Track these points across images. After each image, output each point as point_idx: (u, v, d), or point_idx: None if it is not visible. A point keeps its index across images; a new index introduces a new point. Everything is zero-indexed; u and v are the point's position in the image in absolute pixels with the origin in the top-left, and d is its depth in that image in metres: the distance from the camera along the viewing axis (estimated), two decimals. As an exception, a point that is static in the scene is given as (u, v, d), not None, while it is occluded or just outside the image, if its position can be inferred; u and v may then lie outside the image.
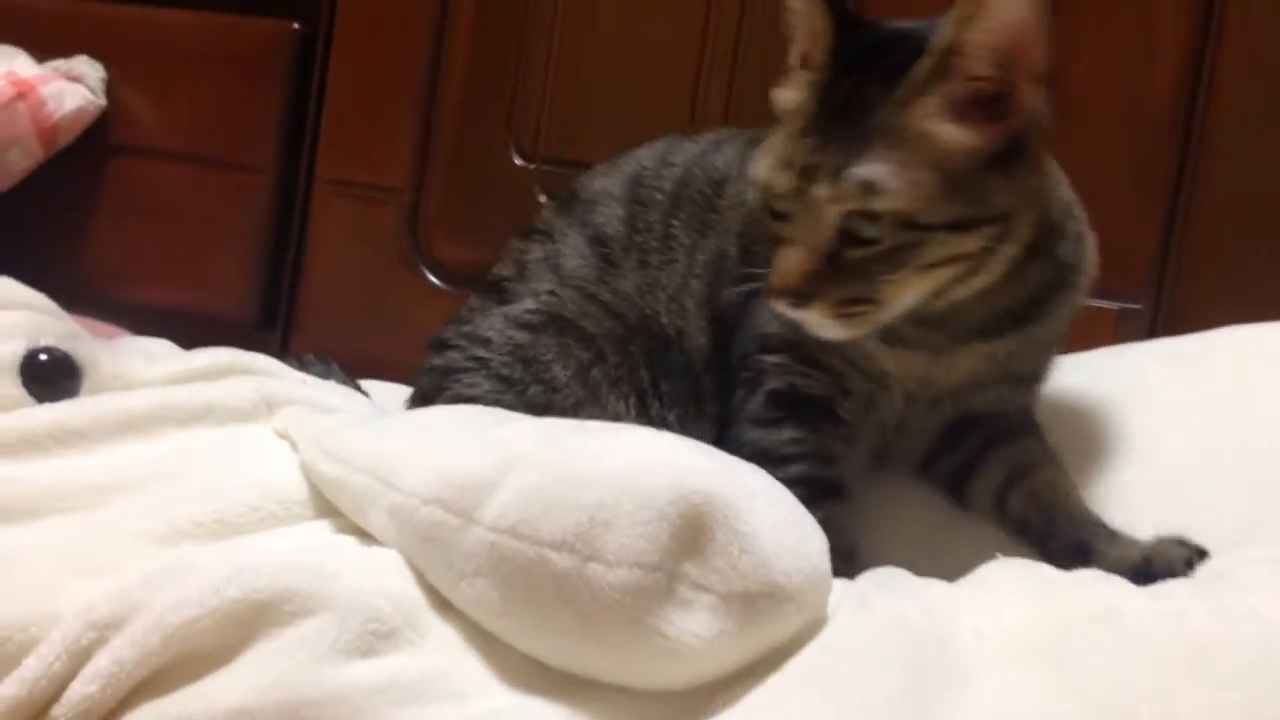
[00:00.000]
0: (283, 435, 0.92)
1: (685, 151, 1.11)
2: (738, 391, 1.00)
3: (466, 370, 1.06)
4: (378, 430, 0.84)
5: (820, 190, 0.84)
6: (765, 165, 0.88)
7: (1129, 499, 0.97)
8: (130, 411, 0.86)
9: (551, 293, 1.07)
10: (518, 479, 0.71)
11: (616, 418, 1.00)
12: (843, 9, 0.89)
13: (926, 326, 0.92)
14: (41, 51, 1.75)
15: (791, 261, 0.86)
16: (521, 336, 1.05)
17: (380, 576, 0.73)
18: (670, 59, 1.56)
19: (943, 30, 0.83)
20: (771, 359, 0.98)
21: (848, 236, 0.85)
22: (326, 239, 1.72)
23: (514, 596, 0.70)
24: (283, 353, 1.72)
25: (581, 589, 0.68)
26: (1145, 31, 1.39)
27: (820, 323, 0.87)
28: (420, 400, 1.13)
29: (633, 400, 1.02)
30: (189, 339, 1.70)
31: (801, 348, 0.97)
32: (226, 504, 0.81)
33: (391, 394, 1.30)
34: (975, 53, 0.83)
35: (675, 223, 1.06)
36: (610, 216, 1.09)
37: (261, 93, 1.73)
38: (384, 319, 1.70)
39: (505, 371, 1.03)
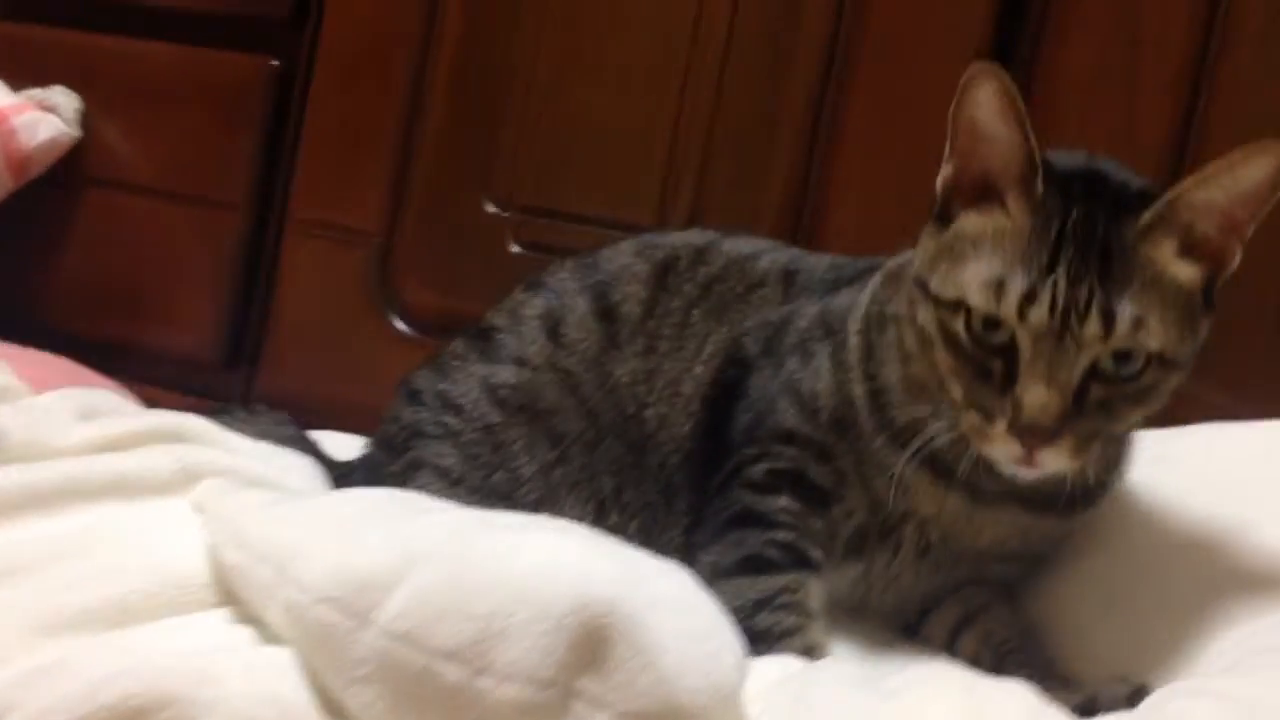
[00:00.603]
0: (199, 509, 0.89)
1: (724, 252, 1.11)
2: (732, 462, 0.99)
3: (436, 438, 1.06)
4: (286, 515, 0.80)
5: (1091, 328, 0.84)
6: (988, 293, 0.86)
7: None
8: (34, 486, 0.82)
9: (536, 369, 1.06)
10: (416, 580, 0.67)
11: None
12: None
13: (987, 471, 0.91)
14: (19, 81, 1.73)
15: (1045, 400, 0.84)
16: (494, 416, 1.05)
17: (269, 680, 0.69)
18: (647, 111, 1.54)
19: (1178, 185, 0.86)
20: (789, 449, 0.97)
21: (1096, 373, 0.85)
22: (296, 280, 1.69)
23: (403, 708, 0.66)
24: (246, 394, 1.71)
25: (472, 704, 0.64)
26: (1126, 112, 1.36)
27: (1055, 464, 0.86)
28: (383, 447, 1.11)
29: (591, 506, 1.03)
30: (155, 377, 1.72)
31: (819, 445, 0.97)
32: (125, 589, 0.77)
33: (350, 447, 1.26)
34: (1213, 211, 0.86)
35: (696, 312, 1.07)
36: (629, 296, 1.08)
37: (237, 129, 1.71)
38: (351, 364, 1.67)
39: (474, 450, 1.04)
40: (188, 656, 0.70)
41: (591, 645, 0.64)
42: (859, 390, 0.97)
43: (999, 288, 0.85)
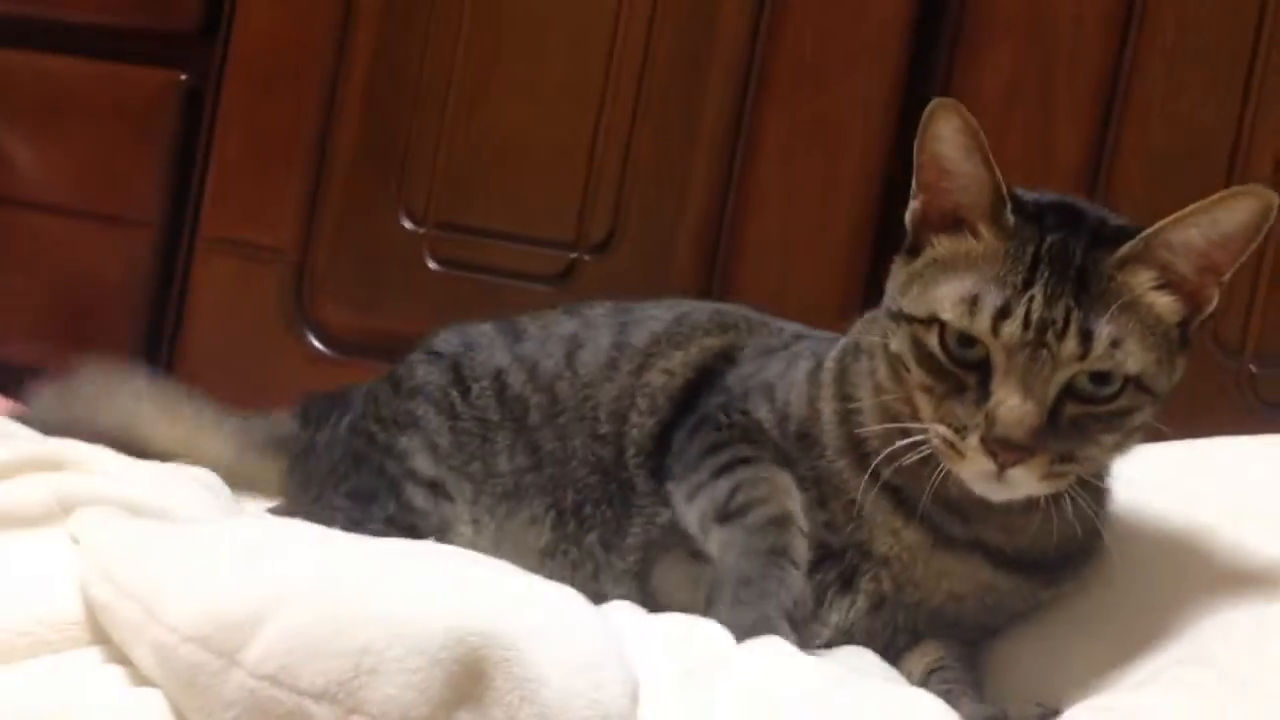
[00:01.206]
0: (75, 540, 0.85)
1: (746, 314, 1.15)
2: (699, 414, 1.02)
3: (437, 407, 1.10)
4: (157, 549, 0.76)
5: (1069, 346, 0.84)
6: (963, 308, 0.86)
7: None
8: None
9: (537, 387, 1.10)
10: (285, 617, 0.64)
11: (532, 521, 1.06)
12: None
13: (948, 509, 0.92)
14: (-80, 96, 1.68)
15: (1020, 413, 0.83)
16: (493, 413, 1.10)
17: (134, 725, 0.66)
18: (566, 125, 1.52)
19: (1158, 224, 0.87)
20: (757, 437, 0.99)
21: (1071, 392, 0.85)
22: (208, 299, 1.65)
23: (272, 751, 0.62)
24: (159, 416, 1.66)
25: (344, 746, 0.61)
26: (1043, 129, 1.36)
27: (1026, 484, 0.86)
28: (390, 385, 1.13)
29: (552, 513, 1.06)
30: None
31: (783, 452, 0.98)
32: (-7, 628, 0.73)
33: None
34: (1191, 252, 0.86)
35: (699, 332, 1.10)
36: (644, 330, 1.11)
37: (147, 145, 1.66)
38: (267, 384, 1.62)
39: (464, 438, 1.09)
40: (52, 701, 0.66)
41: (469, 680, 0.61)
42: (829, 408, 0.97)
43: (973, 303, 0.86)
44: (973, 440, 0.84)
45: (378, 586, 0.65)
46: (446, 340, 1.16)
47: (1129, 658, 0.90)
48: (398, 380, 1.15)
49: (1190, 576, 0.94)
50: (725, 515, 0.94)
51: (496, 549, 1.04)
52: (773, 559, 0.90)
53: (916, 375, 0.88)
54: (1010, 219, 0.88)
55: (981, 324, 0.85)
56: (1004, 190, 0.88)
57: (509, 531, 1.08)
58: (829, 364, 1.00)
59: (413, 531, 1.06)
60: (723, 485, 0.95)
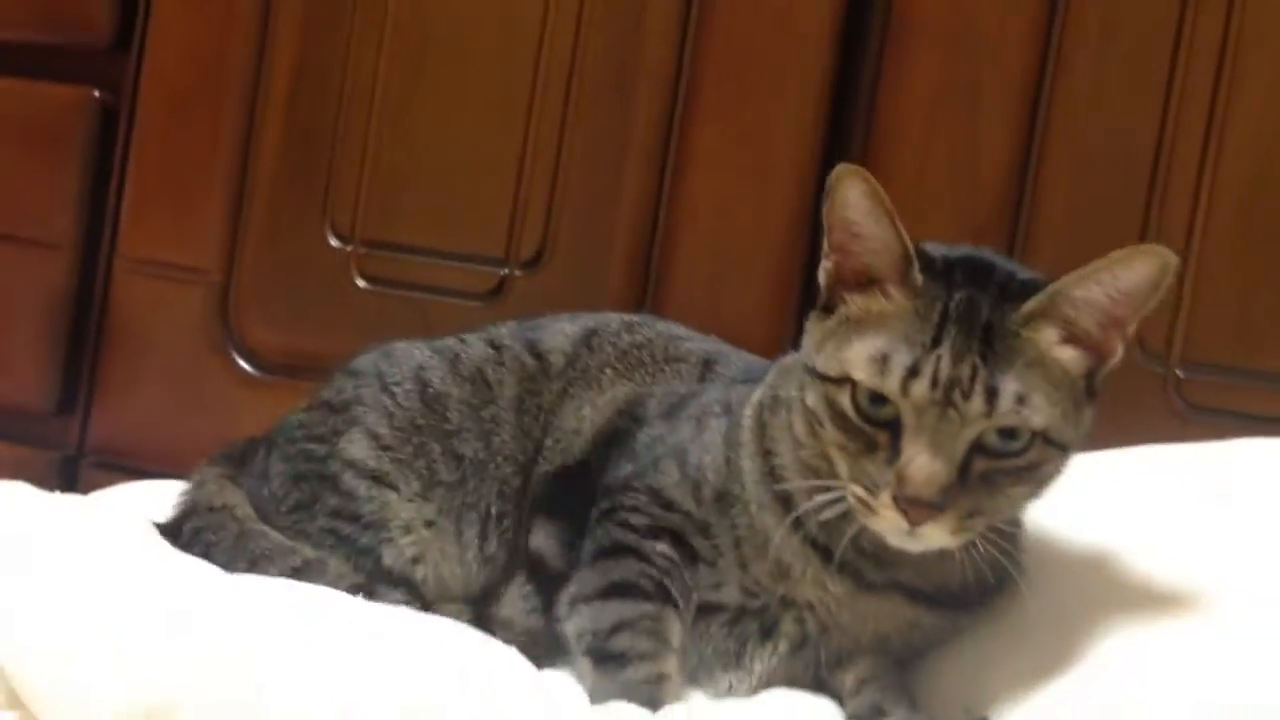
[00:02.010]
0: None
1: (655, 329, 1.15)
2: (608, 502, 1.00)
3: (375, 410, 1.08)
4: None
5: (975, 404, 0.85)
6: (874, 368, 0.87)
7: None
8: None
9: (459, 379, 1.10)
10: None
11: (469, 541, 1.06)
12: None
13: (864, 556, 0.93)
14: None
15: (929, 472, 0.85)
16: (419, 416, 1.08)
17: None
18: (492, 139, 1.49)
19: (1061, 280, 0.88)
20: (669, 515, 0.98)
21: (980, 448, 0.86)
22: (129, 321, 1.61)
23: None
24: (81, 441, 1.62)
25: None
26: (970, 130, 1.37)
27: (937, 539, 0.87)
28: (321, 409, 1.11)
29: (477, 528, 1.06)
30: None
31: (699, 522, 0.98)
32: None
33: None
34: (1094, 309, 0.88)
35: (609, 371, 1.10)
36: (555, 349, 1.11)
37: (59, 164, 1.62)
38: (194, 407, 1.59)
39: (403, 437, 1.07)
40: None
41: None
42: (749, 465, 0.97)
43: (883, 363, 0.87)
44: (885, 498, 0.86)
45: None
46: (366, 358, 1.16)
47: (1048, 671, 0.91)
48: (326, 402, 1.13)
49: (1104, 593, 0.96)
50: (602, 656, 0.93)
51: (461, 558, 1.06)
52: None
53: (831, 433, 0.90)
54: (918, 278, 0.89)
55: (891, 384, 0.86)
56: (910, 251, 0.89)
57: (458, 550, 1.07)
58: (746, 419, 0.99)
59: (355, 520, 1.05)
60: (607, 615, 0.94)
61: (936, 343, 0.87)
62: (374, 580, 1.01)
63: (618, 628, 0.94)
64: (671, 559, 0.97)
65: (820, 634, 0.96)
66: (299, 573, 1.00)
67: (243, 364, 1.58)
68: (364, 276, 1.53)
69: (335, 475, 1.07)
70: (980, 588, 0.96)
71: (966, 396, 0.85)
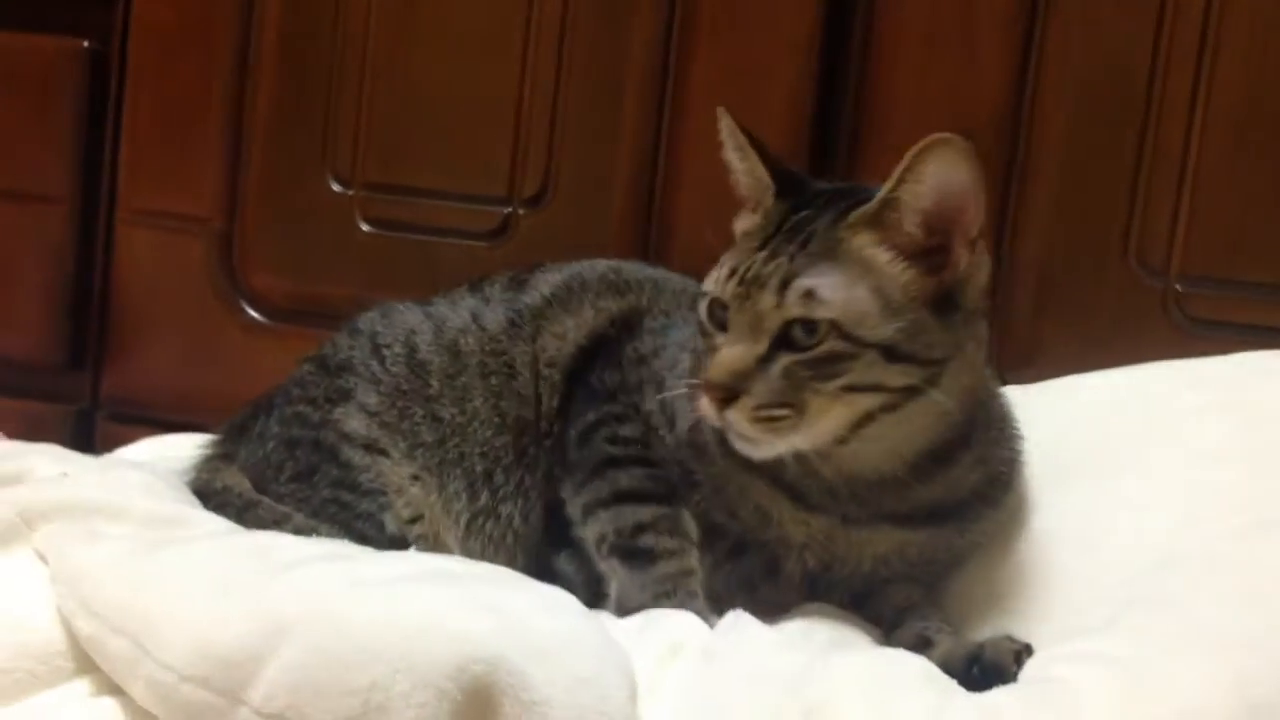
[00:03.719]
0: (43, 557, 0.84)
1: (643, 273, 1.18)
2: (596, 412, 1.04)
3: (364, 378, 1.12)
4: (137, 575, 0.76)
5: (766, 297, 0.90)
6: (715, 278, 0.94)
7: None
8: None
9: (441, 346, 1.13)
10: (287, 654, 0.65)
11: (455, 495, 1.08)
12: (779, 163, 1.00)
13: (837, 496, 0.96)
14: None
15: (726, 359, 0.90)
16: (404, 382, 1.12)
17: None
18: (490, 78, 1.49)
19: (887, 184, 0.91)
20: (655, 440, 1.02)
21: (784, 342, 0.90)
22: (134, 273, 1.61)
23: (283, 788, 0.64)
24: (94, 394, 1.63)
25: (356, 780, 0.62)
26: (968, 52, 1.37)
27: (741, 427, 0.90)
28: (318, 366, 1.15)
29: (465, 484, 1.09)
30: None
31: (681, 464, 1.00)
32: (-25, 667, 0.73)
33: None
34: (908, 210, 0.91)
35: (589, 297, 1.13)
36: (539, 294, 1.15)
37: (53, 117, 1.60)
38: (203, 356, 1.60)
39: (391, 401, 1.11)
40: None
41: (478, 708, 0.63)
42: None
43: (720, 270, 0.95)
44: (703, 388, 0.91)
45: (378, 617, 0.66)
46: (368, 316, 1.19)
47: (1076, 594, 0.94)
48: (324, 360, 1.17)
49: (1127, 513, 0.98)
50: (630, 554, 0.97)
51: (447, 510, 1.08)
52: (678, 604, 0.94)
53: (699, 343, 0.96)
54: (772, 202, 0.96)
55: (716, 286, 0.93)
56: (769, 179, 0.97)
57: (443, 505, 1.10)
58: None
59: (356, 489, 1.08)
60: (627, 516, 0.99)
61: (762, 249, 0.93)
62: (374, 545, 1.03)
63: (640, 528, 0.99)
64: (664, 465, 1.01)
65: (824, 571, 1.00)
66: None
67: (250, 311, 1.58)
68: (367, 220, 1.54)
69: (333, 446, 1.10)
70: (961, 503, 0.99)
71: (762, 289, 0.90)
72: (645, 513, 0.99)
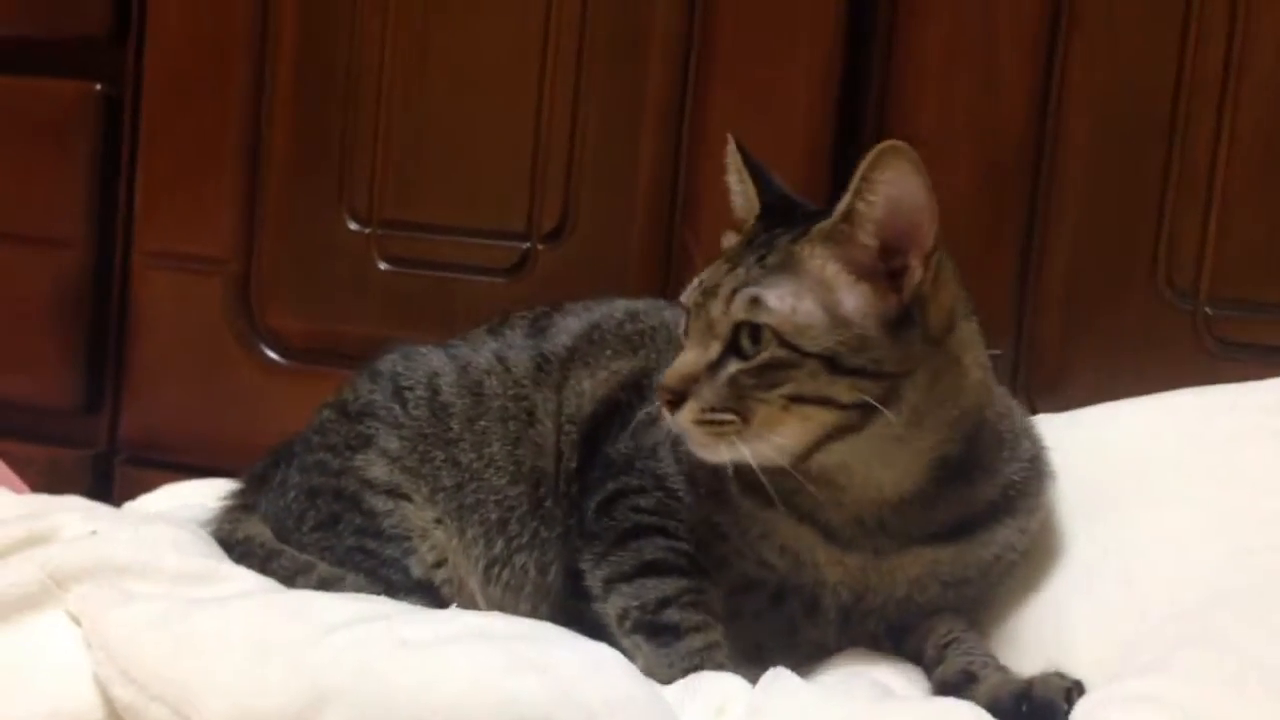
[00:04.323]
0: (76, 619, 0.83)
1: (660, 317, 1.16)
2: (616, 484, 1.02)
3: (385, 423, 1.11)
4: (174, 640, 0.75)
5: (716, 305, 0.93)
6: (686, 289, 0.97)
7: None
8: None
9: (462, 389, 1.12)
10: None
11: (473, 541, 1.07)
12: (773, 186, 1.02)
13: (865, 528, 0.96)
14: None
15: (679, 364, 0.93)
16: (427, 426, 1.11)
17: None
18: (506, 112, 1.48)
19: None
20: (675, 505, 1.01)
21: (734, 350, 0.92)
22: (151, 315, 1.60)
23: None
24: (111, 438, 1.62)
25: None
26: (989, 76, 1.36)
27: (686, 428, 0.92)
28: (338, 412, 1.14)
29: (482, 530, 1.08)
30: (10, 429, 1.62)
31: (706, 520, 0.99)
32: (10, 739, 0.72)
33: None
34: (863, 222, 0.91)
35: (608, 351, 1.12)
36: (560, 344, 1.14)
37: (67, 161, 1.60)
38: (222, 399, 1.59)
39: (412, 445, 1.10)
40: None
41: (527, 773, 0.61)
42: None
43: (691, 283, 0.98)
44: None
45: (424, 684, 0.64)
46: (388, 358, 1.18)
47: (1120, 629, 0.93)
48: (344, 405, 1.16)
49: (1169, 545, 0.97)
50: (655, 630, 0.96)
51: (468, 554, 1.07)
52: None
53: None
54: (753, 221, 0.99)
55: (685, 296, 0.97)
56: (758, 203, 1.00)
57: (464, 550, 1.09)
58: None
59: (380, 536, 1.07)
60: (650, 591, 0.97)
61: (728, 263, 0.96)
62: (400, 591, 1.03)
63: (663, 603, 0.97)
64: (692, 538, 0.99)
65: (858, 602, 0.99)
66: (321, 588, 1.03)
67: (269, 352, 1.58)
68: (385, 258, 1.53)
69: (355, 494, 1.09)
70: (976, 514, 0.98)
71: (715, 297, 0.93)
72: (669, 586, 0.97)
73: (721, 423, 0.90)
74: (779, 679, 0.83)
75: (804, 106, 1.42)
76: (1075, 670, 0.89)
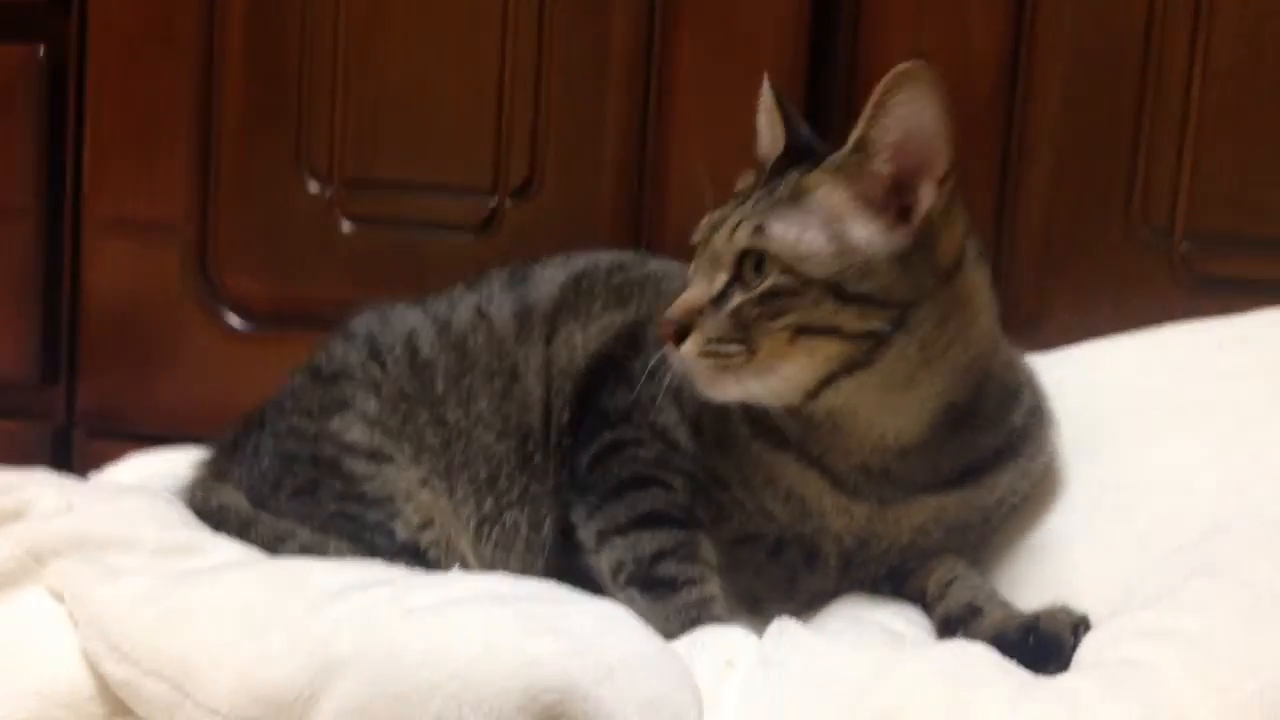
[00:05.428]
0: (57, 595, 0.80)
1: (648, 268, 1.15)
2: (612, 434, 1.01)
3: (361, 383, 1.09)
4: (167, 613, 0.72)
5: (721, 236, 0.92)
6: (695, 230, 0.97)
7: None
8: None
9: (445, 346, 1.10)
10: (342, 691, 0.61)
11: (463, 499, 1.05)
12: (801, 130, 1.01)
13: (872, 476, 0.95)
14: None
15: (683, 298, 0.92)
16: (408, 384, 1.09)
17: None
18: (468, 65, 1.44)
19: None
20: (676, 457, 0.99)
21: (739, 280, 0.91)
22: (105, 283, 1.54)
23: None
24: (69, 410, 1.57)
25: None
26: (961, 13, 1.34)
27: (695, 364, 0.91)
28: (311, 376, 1.11)
29: (472, 489, 1.06)
30: None
31: (709, 469, 0.98)
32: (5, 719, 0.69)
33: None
34: (878, 149, 0.90)
35: (598, 304, 1.11)
36: (545, 296, 1.12)
37: (10, 127, 1.53)
38: (184, 367, 1.55)
39: (392, 405, 1.08)
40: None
41: (549, 736, 0.59)
42: None
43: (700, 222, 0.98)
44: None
45: (435, 648, 0.62)
46: (362, 319, 1.15)
47: (1122, 563, 0.93)
48: (317, 368, 1.13)
49: (1166, 479, 0.97)
50: (649, 583, 0.94)
51: (457, 514, 1.05)
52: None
53: None
54: (771, 161, 0.98)
55: (695, 234, 0.96)
56: (784, 144, 0.99)
57: (453, 509, 1.07)
58: None
59: (362, 500, 1.04)
60: (645, 545, 0.96)
61: (739, 199, 0.96)
62: (385, 555, 1.00)
63: (659, 556, 0.95)
64: (687, 490, 0.98)
65: (861, 549, 0.98)
66: (303, 554, 1.00)
67: (231, 318, 1.53)
68: (348, 218, 1.49)
69: (334, 459, 1.06)
70: (980, 459, 0.98)
71: (718, 230, 0.93)
72: (665, 539, 0.96)
73: (727, 354, 0.89)
74: (786, 629, 0.81)
75: (773, 53, 1.40)
76: (1079, 606, 0.89)
